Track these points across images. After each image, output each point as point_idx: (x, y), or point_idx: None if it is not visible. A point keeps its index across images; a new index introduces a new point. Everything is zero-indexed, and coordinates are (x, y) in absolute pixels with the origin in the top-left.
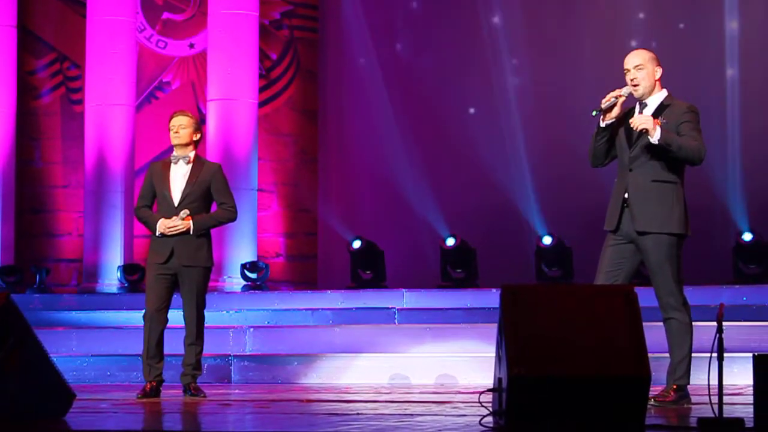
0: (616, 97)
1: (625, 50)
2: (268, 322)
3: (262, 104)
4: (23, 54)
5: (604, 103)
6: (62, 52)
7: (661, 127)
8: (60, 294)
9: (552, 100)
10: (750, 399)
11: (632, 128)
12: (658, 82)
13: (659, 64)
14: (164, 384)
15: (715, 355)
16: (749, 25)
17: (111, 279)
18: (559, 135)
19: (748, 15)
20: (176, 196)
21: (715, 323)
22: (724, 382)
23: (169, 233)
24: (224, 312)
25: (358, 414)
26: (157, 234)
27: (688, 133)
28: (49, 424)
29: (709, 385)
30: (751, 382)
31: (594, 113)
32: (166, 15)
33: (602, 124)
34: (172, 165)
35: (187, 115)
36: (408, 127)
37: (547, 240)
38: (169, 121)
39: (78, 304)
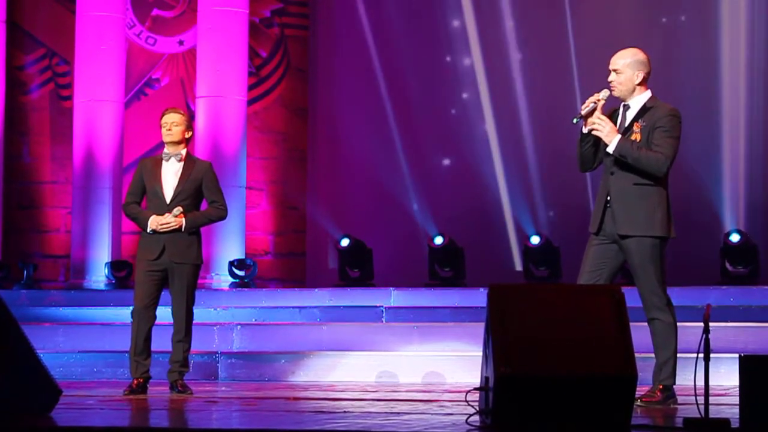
0: (595, 102)
1: (613, 50)
2: (256, 320)
3: (252, 102)
4: (12, 49)
5: (584, 109)
6: (51, 48)
7: (623, 136)
8: (47, 290)
9: (541, 101)
10: (736, 400)
11: (620, 132)
12: (639, 86)
13: (643, 68)
14: (151, 381)
15: (701, 355)
16: (738, 26)
17: (98, 275)
18: (548, 136)
19: (738, 14)
20: (168, 193)
21: (701, 324)
22: (711, 383)
23: (162, 230)
24: (212, 309)
25: (344, 412)
26: (148, 230)
27: (658, 142)
28: (36, 420)
29: (695, 385)
30: (737, 383)
31: (574, 121)
32: (155, 11)
33: (584, 130)
34: (164, 162)
35: (179, 113)
36: (397, 125)
37: (535, 239)
38: (161, 118)
39: (65, 300)
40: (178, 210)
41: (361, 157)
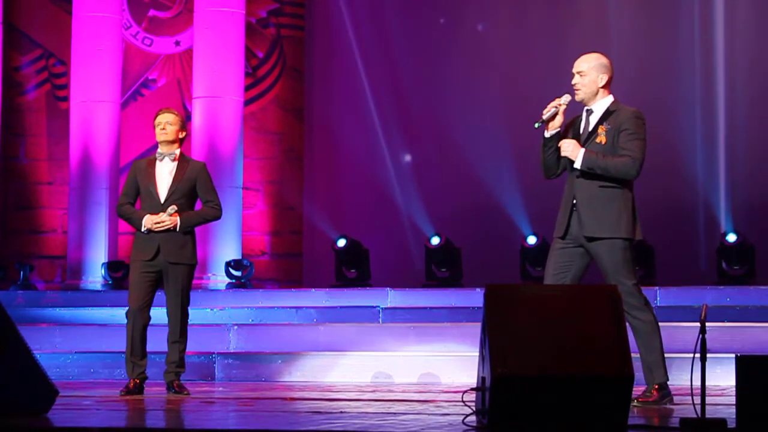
0: (556, 107)
1: (609, 53)
2: (252, 320)
3: (248, 102)
4: (8, 50)
5: (545, 114)
6: (48, 49)
7: (587, 152)
8: (44, 291)
9: (537, 101)
10: (732, 400)
11: (579, 135)
12: (603, 89)
13: (606, 71)
14: (147, 381)
15: (698, 355)
16: (735, 27)
17: (95, 276)
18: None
19: (734, 16)
20: (162, 193)
21: (698, 324)
22: (707, 383)
23: (157, 229)
24: (208, 310)
25: (341, 412)
26: (142, 230)
27: (625, 145)
28: (32, 421)
29: (691, 385)
30: (733, 383)
31: (537, 125)
32: (152, 12)
33: (547, 135)
34: (158, 162)
35: (174, 113)
36: (394, 125)
37: (531, 239)
38: (155, 118)
39: (62, 301)
40: (172, 208)
41: (357, 158)
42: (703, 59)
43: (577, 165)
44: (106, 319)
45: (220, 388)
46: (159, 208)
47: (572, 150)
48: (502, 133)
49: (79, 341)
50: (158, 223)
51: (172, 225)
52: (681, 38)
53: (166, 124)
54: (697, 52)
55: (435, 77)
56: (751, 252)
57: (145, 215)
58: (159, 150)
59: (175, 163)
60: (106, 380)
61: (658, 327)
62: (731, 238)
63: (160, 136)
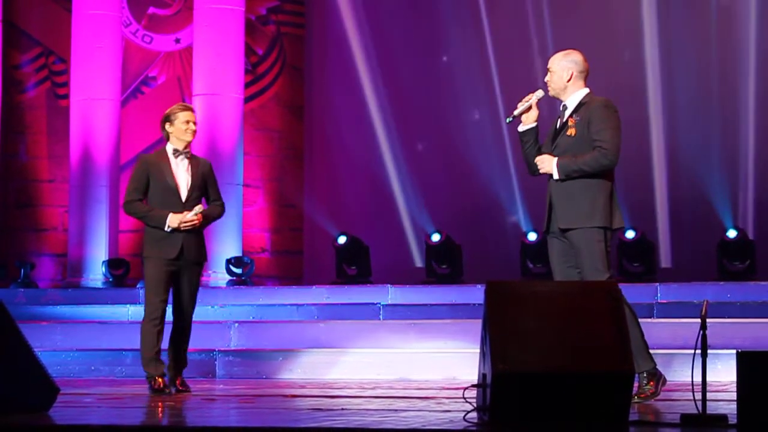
0: (527, 101)
1: (613, 52)
2: (253, 317)
3: (248, 100)
4: (8, 48)
5: (518, 108)
6: (48, 47)
7: (559, 160)
8: (44, 288)
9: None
10: (733, 396)
11: (556, 129)
12: (573, 83)
13: (575, 66)
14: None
15: (698, 351)
16: (735, 20)
17: (96, 274)
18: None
19: (735, 15)
20: (183, 192)
21: (699, 320)
22: (708, 379)
23: (183, 228)
24: (209, 307)
25: (342, 409)
26: (166, 228)
27: (597, 136)
28: (33, 419)
29: (692, 381)
30: (734, 378)
31: (508, 120)
32: (152, 10)
33: (519, 129)
34: (173, 159)
35: (194, 111)
36: (394, 123)
37: (532, 236)
38: (172, 113)
39: (62, 298)
40: (199, 208)
41: (357, 155)
42: (701, 55)
43: (556, 177)
44: (106, 317)
45: (221, 386)
46: (180, 205)
47: (547, 165)
48: (502, 130)
49: (79, 339)
50: (186, 222)
51: (197, 224)
52: (680, 36)
53: (194, 124)
54: (695, 48)
55: (434, 74)
56: (751, 248)
57: (166, 213)
58: (175, 147)
59: (188, 160)
60: (107, 378)
61: (635, 316)
62: (731, 233)
63: (188, 135)
